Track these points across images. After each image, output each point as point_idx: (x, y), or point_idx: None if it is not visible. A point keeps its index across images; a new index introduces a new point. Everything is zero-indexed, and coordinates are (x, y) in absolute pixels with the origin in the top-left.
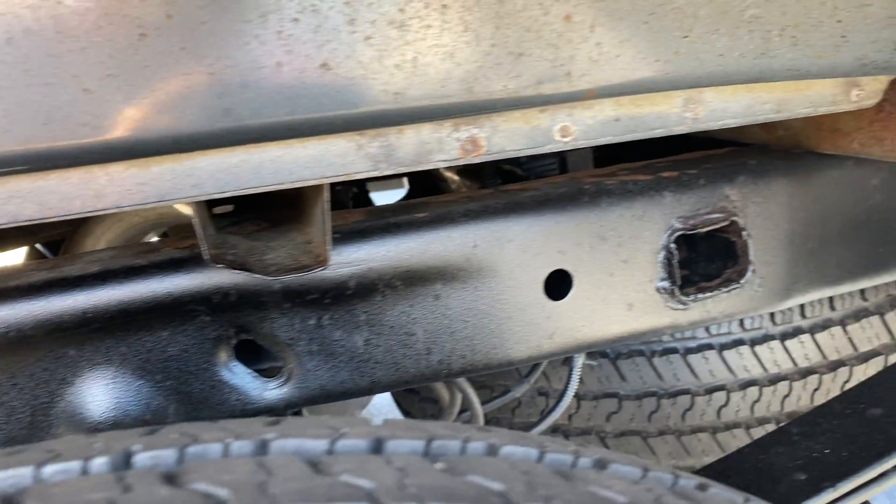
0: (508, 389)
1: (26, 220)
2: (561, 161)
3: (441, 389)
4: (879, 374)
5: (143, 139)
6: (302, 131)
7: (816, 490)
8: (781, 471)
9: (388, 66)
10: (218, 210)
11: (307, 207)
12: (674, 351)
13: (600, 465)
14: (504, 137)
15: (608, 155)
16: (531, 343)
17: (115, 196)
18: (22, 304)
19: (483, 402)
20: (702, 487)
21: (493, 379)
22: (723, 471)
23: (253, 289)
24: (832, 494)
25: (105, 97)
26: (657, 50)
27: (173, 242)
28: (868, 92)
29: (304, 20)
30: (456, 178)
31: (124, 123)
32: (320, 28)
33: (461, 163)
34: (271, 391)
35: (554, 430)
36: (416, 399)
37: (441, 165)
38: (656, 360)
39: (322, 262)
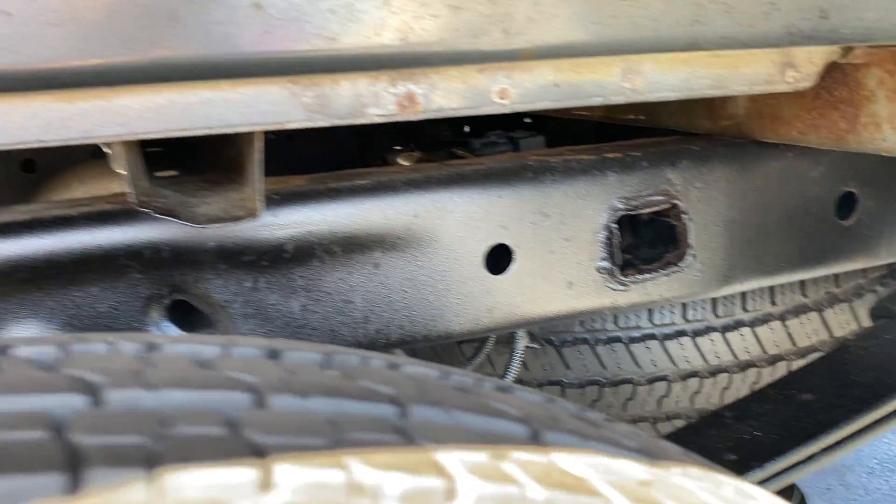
0: None
1: None
2: (514, 149)
3: None
4: (811, 362)
5: (66, 69)
6: (231, 72)
7: (745, 469)
8: (712, 451)
9: (322, 10)
10: (161, 174)
11: (243, 162)
12: (617, 340)
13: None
14: (441, 96)
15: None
16: (470, 316)
17: (36, 130)
18: None
19: None
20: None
21: (443, 362)
22: None
23: (186, 246)
24: (760, 474)
25: (26, 20)
26: (595, 12)
27: (107, 196)
28: (803, 74)
29: None
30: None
31: (47, 49)
32: None
33: (397, 118)
34: None
35: None
36: None
37: (377, 120)
38: (600, 349)
39: (253, 213)
